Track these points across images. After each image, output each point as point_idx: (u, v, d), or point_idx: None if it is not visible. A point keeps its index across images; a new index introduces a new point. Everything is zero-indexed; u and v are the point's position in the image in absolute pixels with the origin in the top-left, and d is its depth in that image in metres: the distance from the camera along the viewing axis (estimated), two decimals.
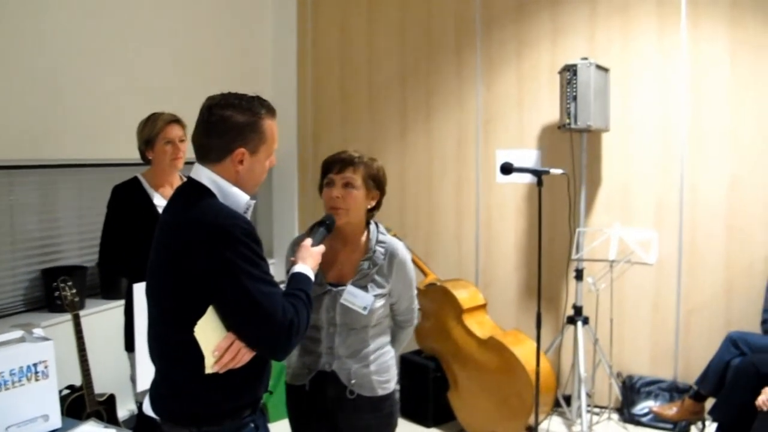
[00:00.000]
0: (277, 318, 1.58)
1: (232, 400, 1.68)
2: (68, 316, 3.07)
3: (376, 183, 2.18)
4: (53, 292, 3.04)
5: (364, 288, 2.13)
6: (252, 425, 1.73)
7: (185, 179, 2.83)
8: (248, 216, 1.70)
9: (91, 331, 3.08)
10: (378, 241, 2.19)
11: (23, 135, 3.25)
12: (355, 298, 2.11)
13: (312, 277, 1.83)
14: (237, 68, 4.67)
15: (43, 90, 3.32)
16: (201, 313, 1.59)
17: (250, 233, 1.61)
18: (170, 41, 4.10)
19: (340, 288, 2.13)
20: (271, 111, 1.75)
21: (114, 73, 3.69)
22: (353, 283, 2.14)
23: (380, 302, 2.15)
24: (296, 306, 1.65)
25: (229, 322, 1.62)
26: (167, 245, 1.68)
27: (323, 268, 2.12)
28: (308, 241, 1.94)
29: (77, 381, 3.07)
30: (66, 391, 3.07)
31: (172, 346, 1.68)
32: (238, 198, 1.70)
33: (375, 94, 4.91)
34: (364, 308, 2.10)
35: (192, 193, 1.70)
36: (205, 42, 4.41)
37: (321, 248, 1.95)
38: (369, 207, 2.19)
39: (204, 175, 1.70)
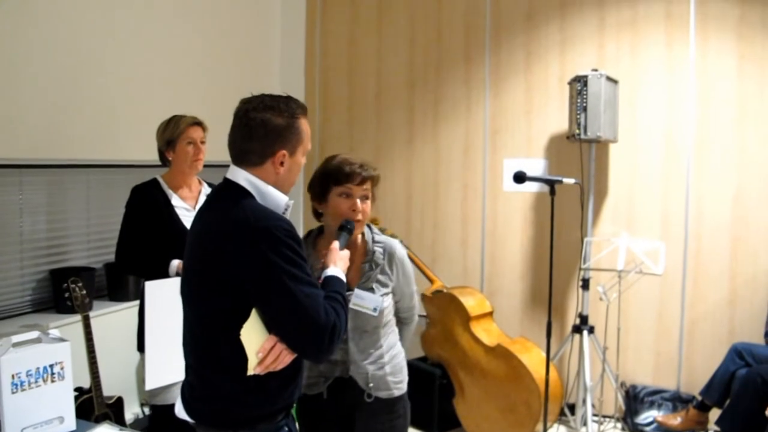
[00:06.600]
0: (320, 320, 1.58)
1: (269, 404, 1.68)
2: (76, 318, 3.03)
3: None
4: (62, 293, 3.01)
5: (370, 290, 2.16)
6: (286, 428, 1.72)
7: (202, 182, 2.89)
8: (287, 216, 1.70)
9: (98, 332, 3.04)
10: (375, 242, 2.23)
11: (32, 135, 3.22)
12: (363, 300, 2.13)
13: (344, 279, 1.83)
14: (245, 75, 4.65)
15: (53, 90, 3.30)
16: (242, 315, 1.58)
17: (292, 234, 1.61)
18: (179, 46, 4.08)
19: (347, 293, 2.11)
20: (304, 110, 1.76)
21: (123, 74, 3.67)
22: (359, 286, 2.16)
23: (387, 300, 2.19)
24: (336, 308, 1.65)
25: (273, 323, 1.61)
26: (206, 247, 1.67)
27: None
28: (336, 244, 1.95)
29: (84, 383, 3.03)
30: (74, 393, 3.02)
31: (211, 348, 1.67)
32: (276, 198, 1.70)
33: (383, 101, 4.92)
34: (374, 309, 2.13)
35: (230, 194, 1.69)
36: (213, 48, 4.39)
37: (347, 252, 1.96)
38: None
39: (241, 176, 1.70)
